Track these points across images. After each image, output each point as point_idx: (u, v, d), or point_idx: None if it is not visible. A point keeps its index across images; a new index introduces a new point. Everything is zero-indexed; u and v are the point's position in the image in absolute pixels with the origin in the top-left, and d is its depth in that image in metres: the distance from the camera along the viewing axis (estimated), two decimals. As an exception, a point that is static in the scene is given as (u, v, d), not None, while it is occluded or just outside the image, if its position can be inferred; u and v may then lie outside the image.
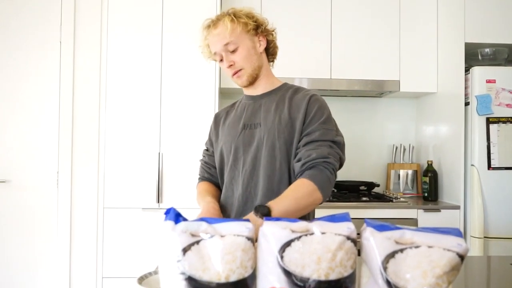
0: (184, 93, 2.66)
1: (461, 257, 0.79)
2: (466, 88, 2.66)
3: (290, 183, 1.33)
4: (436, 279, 0.77)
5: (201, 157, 1.62)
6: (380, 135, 3.31)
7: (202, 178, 1.60)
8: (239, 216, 1.35)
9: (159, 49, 2.66)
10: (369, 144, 3.27)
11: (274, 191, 1.32)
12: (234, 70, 1.39)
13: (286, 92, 1.43)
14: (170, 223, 0.83)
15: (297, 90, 1.43)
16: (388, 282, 0.80)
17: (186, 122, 2.66)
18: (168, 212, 0.85)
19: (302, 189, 1.24)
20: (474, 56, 2.78)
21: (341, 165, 1.34)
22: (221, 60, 1.39)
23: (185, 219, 0.84)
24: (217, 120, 1.56)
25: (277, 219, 0.87)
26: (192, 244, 0.81)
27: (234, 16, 1.37)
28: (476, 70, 2.60)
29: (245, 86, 1.45)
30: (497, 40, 2.69)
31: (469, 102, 2.63)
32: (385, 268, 0.80)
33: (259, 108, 1.43)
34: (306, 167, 1.27)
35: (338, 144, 1.33)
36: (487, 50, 2.74)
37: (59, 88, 2.68)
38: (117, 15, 2.65)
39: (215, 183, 1.54)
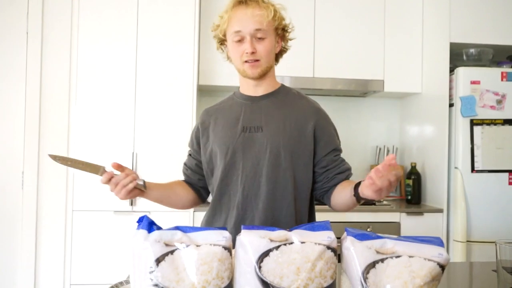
0: (161, 90, 2.57)
1: (442, 267, 0.79)
2: (450, 89, 2.65)
3: (294, 192, 1.33)
4: (417, 290, 0.77)
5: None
6: (364, 136, 3.28)
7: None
8: (239, 224, 1.29)
9: (134, 43, 2.56)
10: (352, 145, 3.21)
11: (277, 200, 1.32)
12: (253, 58, 1.31)
13: (286, 96, 1.41)
14: (143, 232, 0.80)
15: (299, 95, 1.42)
16: (368, 294, 0.79)
17: (162, 120, 2.57)
18: (140, 220, 0.83)
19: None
20: (459, 56, 2.77)
21: None
22: (239, 41, 1.32)
23: (159, 228, 0.82)
24: (206, 118, 1.47)
25: (254, 227, 0.85)
26: (166, 254, 0.79)
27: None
28: (460, 71, 2.59)
29: (253, 78, 1.37)
30: (482, 40, 2.68)
31: (453, 103, 2.61)
32: (365, 279, 0.80)
33: (259, 110, 1.38)
34: (347, 175, 1.39)
35: None
36: (472, 50, 2.73)
37: (25, 82, 2.51)
38: (89, 9, 2.54)
39: (190, 184, 1.50)
